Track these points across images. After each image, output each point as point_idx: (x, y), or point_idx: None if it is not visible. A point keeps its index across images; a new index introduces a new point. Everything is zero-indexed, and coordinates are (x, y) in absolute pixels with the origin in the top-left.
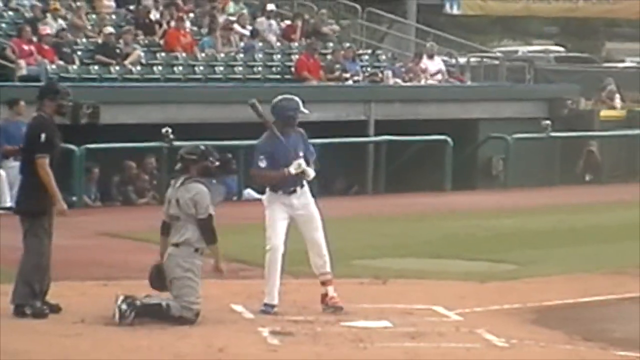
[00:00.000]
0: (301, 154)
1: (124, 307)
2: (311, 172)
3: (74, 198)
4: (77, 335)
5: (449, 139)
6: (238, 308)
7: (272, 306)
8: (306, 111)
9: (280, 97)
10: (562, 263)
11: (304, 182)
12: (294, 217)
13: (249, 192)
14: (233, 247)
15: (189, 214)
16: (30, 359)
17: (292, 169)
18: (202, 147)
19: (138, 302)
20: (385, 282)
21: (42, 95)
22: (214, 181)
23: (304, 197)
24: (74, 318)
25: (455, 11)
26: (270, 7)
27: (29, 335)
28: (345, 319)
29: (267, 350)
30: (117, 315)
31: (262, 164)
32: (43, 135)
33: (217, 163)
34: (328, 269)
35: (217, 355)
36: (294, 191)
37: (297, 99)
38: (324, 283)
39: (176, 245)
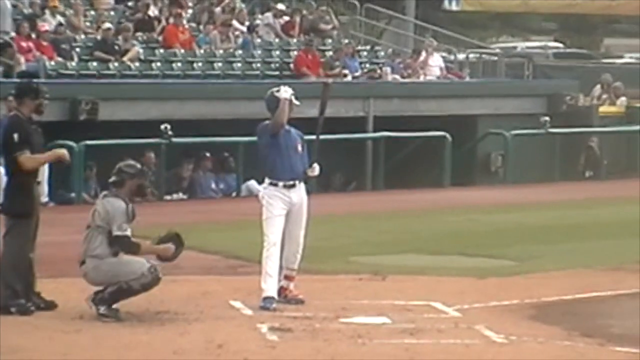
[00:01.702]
0: (299, 148)
1: (102, 309)
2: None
3: (73, 194)
4: (77, 331)
5: (447, 135)
6: (237, 304)
7: (272, 298)
8: (297, 102)
9: (274, 88)
10: (561, 259)
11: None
12: (288, 211)
13: (252, 184)
14: (232, 243)
15: (98, 225)
16: (29, 355)
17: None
18: (139, 166)
19: (106, 295)
20: (384, 278)
21: (22, 95)
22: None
23: (301, 193)
24: (73, 314)
25: (454, 7)
26: (281, 6)
27: (28, 331)
28: (344, 315)
29: (266, 347)
30: (110, 318)
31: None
32: (16, 136)
33: (149, 189)
34: (297, 266)
35: (216, 351)
36: (293, 185)
37: (280, 89)
38: (288, 277)
39: (93, 257)
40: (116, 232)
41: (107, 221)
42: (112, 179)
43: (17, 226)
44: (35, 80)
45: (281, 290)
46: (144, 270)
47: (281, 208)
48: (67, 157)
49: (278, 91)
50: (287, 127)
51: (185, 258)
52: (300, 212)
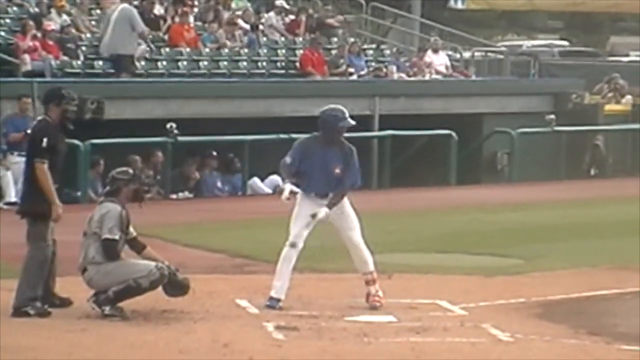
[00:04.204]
0: (337, 170)
1: (107, 309)
2: (321, 214)
3: (79, 193)
4: (82, 330)
5: (453, 134)
6: (243, 303)
7: (278, 300)
8: (352, 122)
9: (327, 106)
10: (567, 257)
11: (337, 186)
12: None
13: (254, 182)
14: (238, 242)
15: (94, 232)
16: (35, 355)
17: (283, 196)
18: (132, 171)
19: (111, 294)
20: (390, 277)
21: (47, 101)
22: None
23: None
24: (78, 313)
25: (459, 5)
26: (280, 2)
27: (34, 331)
28: (350, 314)
29: (272, 345)
30: (116, 317)
31: (289, 159)
32: (45, 140)
33: (148, 188)
34: (370, 269)
35: (222, 350)
36: (326, 195)
37: (342, 108)
38: (366, 282)
39: (94, 263)
40: (105, 235)
41: (101, 226)
42: (107, 188)
43: (40, 228)
44: (40, 79)
45: (366, 297)
46: (152, 268)
47: (311, 210)
48: (60, 219)
49: (331, 110)
50: (325, 150)
51: (190, 257)
52: (343, 215)
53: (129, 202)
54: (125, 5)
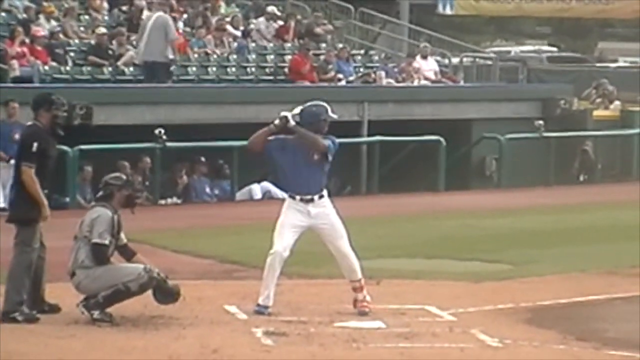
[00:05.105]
0: (316, 156)
1: (96, 313)
2: (290, 119)
3: (68, 199)
4: (71, 336)
5: (442, 140)
6: (232, 309)
7: (266, 307)
8: (335, 116)
9: (309, 103)
10: (556, 263)
11: (323, 192)
12: (314, 227)
13: (251, 188)
14: (226, 248)
15: (84, 236)
16: None
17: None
18: (124, 177)
19: (100, 299)
20: (379, 283)
21: (37, 106)
22: None
23: (322, 206)
24: (67, 319)
25: (448, 11)
26: (271, 8)
27: (23, 336)
28: (339, 320)
29: (260, 351)
30: (105, 323)
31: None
32: (35, 145)
33: (139, 194)
34: (358, 276)
35: (211, 356)
36: (311, 200)
37: (324, 104)
38: (354, 289)
39: (84, 268)
40: (95, 240)
41: (91, 230)
42: (100, 193)
43: (27, 233)
44: (28, 85)
45: (353, 303)
46: (140, 271)
47: (296, 219)
48: (46, 219)
49: (314, 106)
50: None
51: (179, 263)
52: (330, 225)
53: (121, 208)
54: (161, 13)
